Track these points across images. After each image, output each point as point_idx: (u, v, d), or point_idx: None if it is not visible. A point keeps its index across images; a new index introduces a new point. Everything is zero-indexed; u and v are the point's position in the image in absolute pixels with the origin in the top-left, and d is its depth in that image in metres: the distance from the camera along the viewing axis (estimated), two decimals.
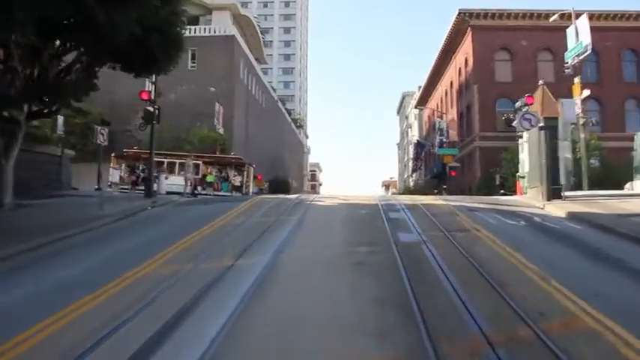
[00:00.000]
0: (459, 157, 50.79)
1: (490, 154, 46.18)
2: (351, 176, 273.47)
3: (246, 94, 54.69)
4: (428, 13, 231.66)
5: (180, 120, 47.03)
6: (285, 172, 72.39)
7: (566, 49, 29.20)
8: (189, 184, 25.19)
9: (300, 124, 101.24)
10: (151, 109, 20.04)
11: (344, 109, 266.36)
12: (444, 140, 49.44)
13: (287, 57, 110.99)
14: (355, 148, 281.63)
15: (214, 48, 49.64)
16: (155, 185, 28.33)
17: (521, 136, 25.05)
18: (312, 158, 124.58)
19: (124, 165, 36.58)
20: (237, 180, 35.14)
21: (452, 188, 51.17)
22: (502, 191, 39.77)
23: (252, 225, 12.93)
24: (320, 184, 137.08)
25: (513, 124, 27.34)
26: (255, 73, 59.16)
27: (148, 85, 20.57)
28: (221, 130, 45.19)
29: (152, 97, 20.20)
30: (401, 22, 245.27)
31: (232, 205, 16.80)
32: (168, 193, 35.57)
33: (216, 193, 35.46)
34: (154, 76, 20.49)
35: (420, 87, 78.82)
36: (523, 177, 23.84)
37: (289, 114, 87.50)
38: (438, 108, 63.72)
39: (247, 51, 56.01)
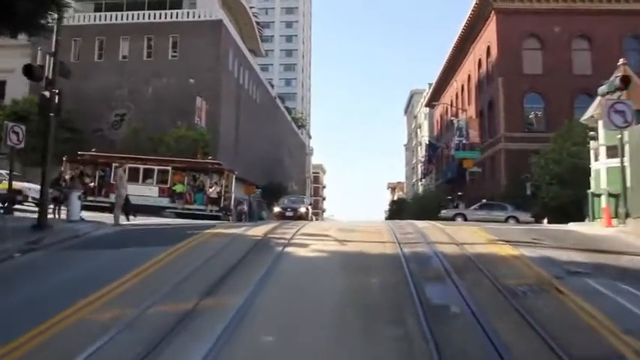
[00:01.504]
0: (478, 161, 43.28)
1: (517, 157, 38.87)
2: (356, 178, 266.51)
3: (237, 88, 47.43)
4: (442, 3, 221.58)
5: (159, 117, 39.97)
6: (283, 176, 65.15)
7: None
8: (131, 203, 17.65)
9: (302, 124, 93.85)
10: (46, 94, 12.75)
11: (349, 107, 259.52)
12: (464, 142, 42.03)
13: (289, 53, 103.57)
14: (361, 148, 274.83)
15: (199, 35, 42.52)
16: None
17: (593, 138, 17.66)
18: (315, 159, 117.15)
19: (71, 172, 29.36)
20: (213, 191, 27.83)
21: (470, 197, 43.75)
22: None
23: (121, 341, 5.60)
24: (324, 187, 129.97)
25: (583, 118, 20.02)
26: (249, 65, 51.87)
27: (42, 58, 13.20)
28: (203, 130, 37.96)
29: (48, 75, 12.82)
30: (412, 12, 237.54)
31: (150, 253, 9.49)
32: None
33: (187, 206, 28.27)
34: (52, 47, 13.06)
35: (430, 84, 71.47)
36: (598, 195, 16.52)
37: (289, 112, 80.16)
38: (452, 105, 56.25)
39: (239, 40, 48.76)
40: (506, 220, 34.43)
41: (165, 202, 28.33)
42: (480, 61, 46.66)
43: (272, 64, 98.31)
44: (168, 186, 28.45)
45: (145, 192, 28.45)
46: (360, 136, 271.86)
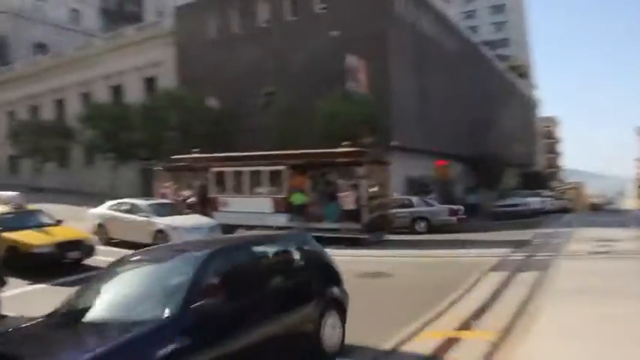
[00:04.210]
0: None
1: None
2: (599, 121, 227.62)
3: (414, 38, 35.04)
4: None
5: (308, 91, 29.82)
6: (496, 141, 50.33)
7: None
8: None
9: (522, 72, 75.81)
10: None
11: (583, 41, 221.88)
12: None
13: None
14: (602, 91, 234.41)
15: None
16: None
17: None
18: (546, 111, 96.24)
19: None
20: (347, 199, 16.59)
21: None
22: None
23: None
24: (557, 142, 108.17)
25: None
26: (430, 5, 38.92)
27: None
28: (364, 97, 26.88)
29: None
30: None
31: None
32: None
33: (315, 225, 17.60)
34: None
35: None
36: None
37: (505, 61, 63.75)
38: None
39: None
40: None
41: (282, 219, 18.09)
42: None
43: (475, 10, 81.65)
44: (283, 195, 18.13)
45: (259, 206, 18.63)
46: (601, 78, 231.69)
